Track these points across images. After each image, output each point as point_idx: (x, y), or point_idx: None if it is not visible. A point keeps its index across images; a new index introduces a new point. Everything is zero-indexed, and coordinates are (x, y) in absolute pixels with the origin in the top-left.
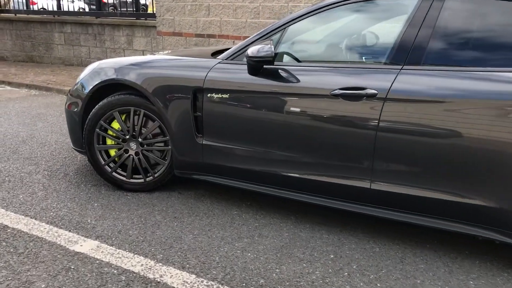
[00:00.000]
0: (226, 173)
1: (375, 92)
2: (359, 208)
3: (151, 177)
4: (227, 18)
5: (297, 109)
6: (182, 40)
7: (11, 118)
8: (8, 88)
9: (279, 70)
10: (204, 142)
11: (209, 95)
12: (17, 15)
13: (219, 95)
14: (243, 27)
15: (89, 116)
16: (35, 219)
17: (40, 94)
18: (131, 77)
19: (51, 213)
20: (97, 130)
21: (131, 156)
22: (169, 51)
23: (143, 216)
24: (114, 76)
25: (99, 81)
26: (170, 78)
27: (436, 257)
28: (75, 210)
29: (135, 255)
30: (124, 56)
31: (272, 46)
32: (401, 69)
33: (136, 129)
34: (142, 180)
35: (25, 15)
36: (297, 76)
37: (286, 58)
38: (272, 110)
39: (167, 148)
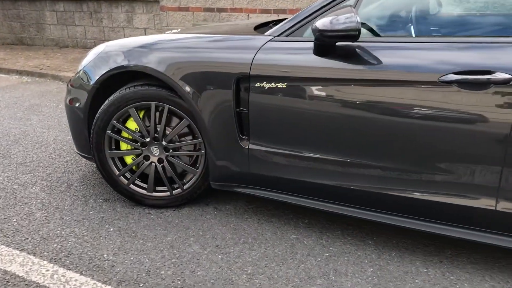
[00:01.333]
0: (280, 186)
1: (509, 77)
2: (479, 236)
3: (179, 189)
4: None
5: (389, 103)
6: (189, 16)
7: (0, 111)
8: None
9: (360, 49)
10: (251, 146)
11: (257, 84)
12: None
13: (272, 85)
14: None
15: (98, 114)
16: (34, 255)
17: (33, 81)
18: (151, 63)
19: (55, 245)
20: (108, 132)
21: (153, 164)
22: (191, 27)
23: (175, 246)
24: (127, 62)
25: (108, 69)
26: (204, 63)
27: None
28: (85, 239)
29: None
30: (124, 36)
31: (357, 15)
32: None
33: (158, 129)
34: (167, 194)
35: None
36: (387, 57)
37: (365, 32)
38: (351, 105)
39: (199, 153)
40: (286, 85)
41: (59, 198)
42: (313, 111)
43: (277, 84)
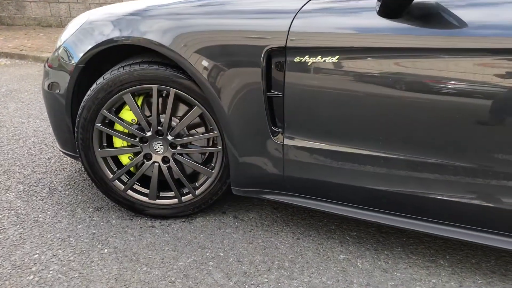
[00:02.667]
0: (325, 193)
1: None
2: None
3: (190, 195)
4: None
5: (493, 81)
6: None
7: None
8: None
9: (443, 9)
10: (286, 141)
11: (297, 59)
12: None
13: (317, 59)
14: None
15: (83, 102)
16: None
17: (12, 64)
18: (150, 33)
19: (31, 277)
20: (98, 125)
21: (156, 164)
22: None
23: (191, 275)
24: (117, 34)
25: (94, 43)
26: (223, 33)
27: None
28: (71, 267)
29: None
30: None
31: None
32: None
33: (162, 120)
34: (175, 201)
35: None
36: (485, 16)
37: None
38: (434, 85)
39: (215, 150)
40: (337, 59)
41: (39, 208)
42: (376, 94)
43: (324, 58)
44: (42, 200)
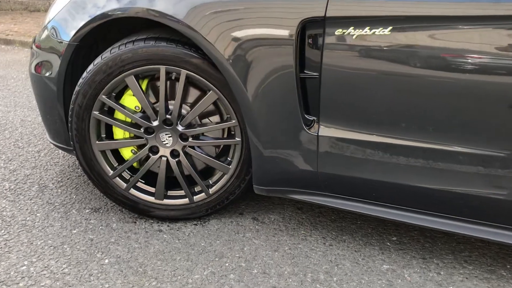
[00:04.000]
0: (366, 193)
1: None
2: None
3: (202, 194)
4: None
5: None
6: None
7: None
8: None
9: None
10: (322, 131)
11: (338, 31)
12: None
13: (365, 31)
14: None
15: (78, 86)
16: None
17: None
18: (157, 2)
19: None
20: (95, 113)
21: (164, 158)
22: None
23: None
24: (116, 6)
25: (89, 17)
26: (248, 2)
27: None
28: (66, 281)
29: None
30: None
31: None
32: None
33: (171, 108)
34: (185, 201)
35: None
36: None
37: None
38: None
39: (233, 142)
40: (391, 31)
41: (27, 209)
42: (439, 77)
43: (374, 30)
44: (30, 199)
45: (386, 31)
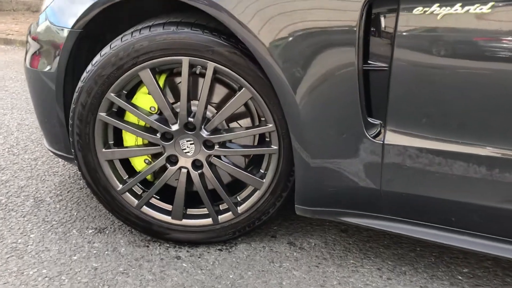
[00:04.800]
0: (447, 219)
1: None
2: None
3: (229, 213)
4: None
5: None
6: None
7: None
8: None
9: None
10: (389, 137)
11: (417, 11)
12: None
13: (456, 9)
14: None
15: (81, 81)
16: None
17: None
18: None
19: None
20: (102, 114)
21: (184, 170)
22: None
23: None
24: None
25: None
26: None
27: None
28: None
29: None
30: None
31: None
32: None
33: (194, 109)
34: (208, 221)
35: None
36: None
37: None
38: None
39: (269, 151)
40: (491, 8)
41: (19, 229)
42: None
43: (468, 8)
44: (23, 216)
45: (485, 8)
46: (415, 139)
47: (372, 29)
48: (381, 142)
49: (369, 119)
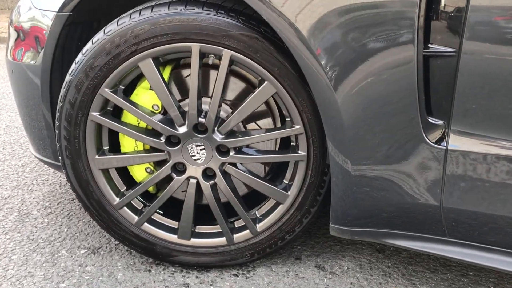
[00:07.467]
0: None
1: None
2: None
3: (246, 231)
4: None
5: None
6: None
7: None
8: None
9: None
10: (454, 141)
11: None
12: None
13: None
14: None
15: (70, 73)
16: None
17: None
18: None
19: None
20: (94, 114)
21: (193, 181)
22: None
23: None
24: None
25: None
26: None
27: None
28: None
29: None
30: None
31: None
32: None
33: (206, 108)
34: (221, 241)
35: None
36: None
37: None
38: None
39: (296, 157)
40: None
41: (1, 248)
42: None
43: None
44: (5, 234)
45: None
46: (489, 145)
47: (435, 2)
48: (444, 147)
49: (429, 119)
